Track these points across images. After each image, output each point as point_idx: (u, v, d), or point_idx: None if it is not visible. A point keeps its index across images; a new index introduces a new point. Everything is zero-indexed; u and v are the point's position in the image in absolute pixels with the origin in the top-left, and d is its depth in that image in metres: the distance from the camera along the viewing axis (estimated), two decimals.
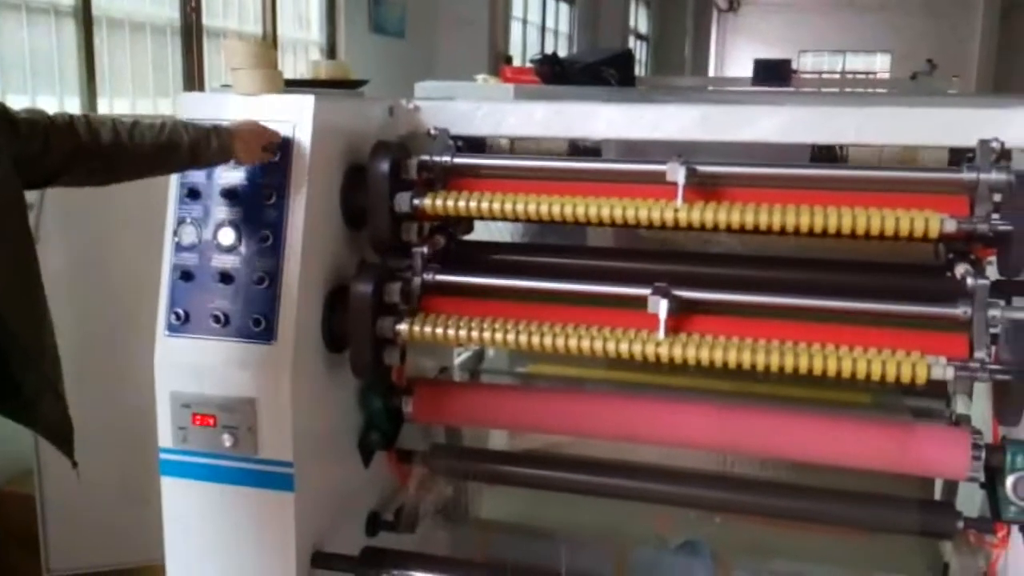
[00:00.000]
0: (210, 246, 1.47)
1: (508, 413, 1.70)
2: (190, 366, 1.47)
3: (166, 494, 1.53)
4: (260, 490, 1.46)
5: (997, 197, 1.39)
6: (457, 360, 2.18)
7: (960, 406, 1.68)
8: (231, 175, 1.47)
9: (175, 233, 1.49)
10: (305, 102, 1.45)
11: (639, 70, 10.11)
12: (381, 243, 1.58)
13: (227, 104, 1.49)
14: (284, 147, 1.45)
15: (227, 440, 1.45)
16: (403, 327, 1.52)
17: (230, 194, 1.47)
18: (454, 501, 1.84)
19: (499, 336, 1.49)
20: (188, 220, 1.49)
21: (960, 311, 1.38)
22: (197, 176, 1.49)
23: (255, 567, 1.50)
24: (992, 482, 1.43)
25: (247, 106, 1.48)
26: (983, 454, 1.42)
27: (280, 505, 1.46)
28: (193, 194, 1.49)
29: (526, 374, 2.18)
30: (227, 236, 1.47)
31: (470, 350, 2.21)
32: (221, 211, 1.48)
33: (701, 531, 1.99)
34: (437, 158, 1.59)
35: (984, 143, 1.42)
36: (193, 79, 3.87)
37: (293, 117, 1.45)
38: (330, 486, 1.58)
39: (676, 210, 1.46)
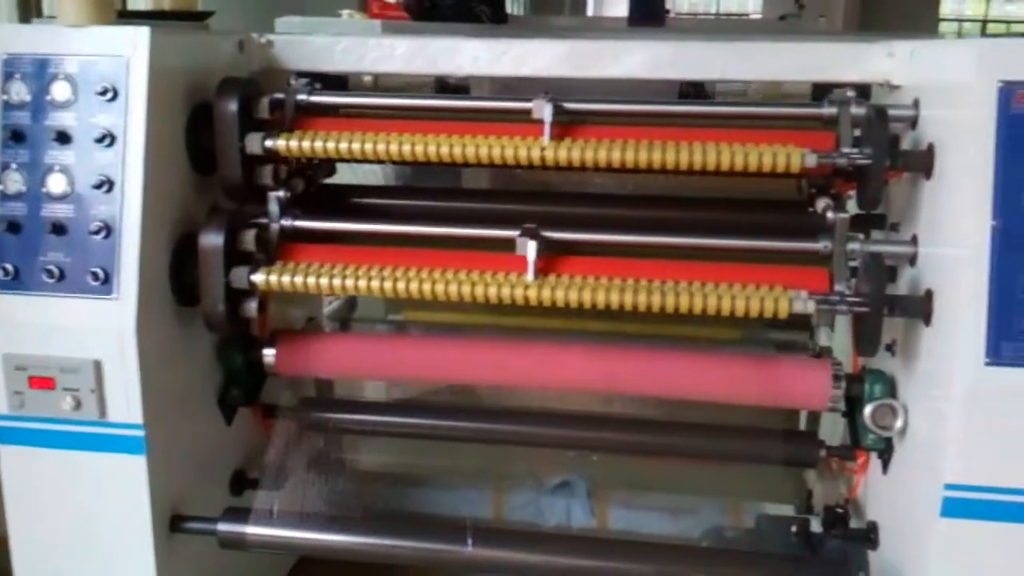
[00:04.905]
0: (39, 195, 1.35)
1: (377, 362, 1.65)
2: (23, 325, 1.35)
3: (5, 464, 1.42)
4: (108, 455, 1.37)
5: (857, 132, 1.41)
6: (326, 309, 2.11)
7: (823, 339, 1.73)
8: (60, 115, 1.35)
9: None
10: (140, 34, 1.33)
11: (515, 9, 9.99)
12: (233, 188, 1.48)
13: (52, 37, 1.35)
14: (118, 85, 1.33)
15: (68, 403, 1.35)
16: (259, 277, 1.44)
17: (60, 137, 1.34)
18: (326, 454, 1.79)
19: (362, 283, 1.42)
20: (13, 166, 1.36)
21: (821, 245, 1.40)
22: (21, 117, 1.35)
23: (107, 536, 1.42)
24: (852, 411, 1.47)
25: (74, 39, 1.34)
26: (843, 385, 1.46)
27: (131, 470, 1.37)
28: (17, 137, 1.35)
29: (399, 322, 2.12)
30: (58, 183, 1.34)
31: (340, 299, 2.13)
32: (51, 156, 1.35)
33: (578, 470, 2.00)
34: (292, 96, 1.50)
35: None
36: (30, 14, 3.57)
37: (126, 51, 1.33)
38: (188, 447, 1.49)
39: (543, 148, 1.43)
